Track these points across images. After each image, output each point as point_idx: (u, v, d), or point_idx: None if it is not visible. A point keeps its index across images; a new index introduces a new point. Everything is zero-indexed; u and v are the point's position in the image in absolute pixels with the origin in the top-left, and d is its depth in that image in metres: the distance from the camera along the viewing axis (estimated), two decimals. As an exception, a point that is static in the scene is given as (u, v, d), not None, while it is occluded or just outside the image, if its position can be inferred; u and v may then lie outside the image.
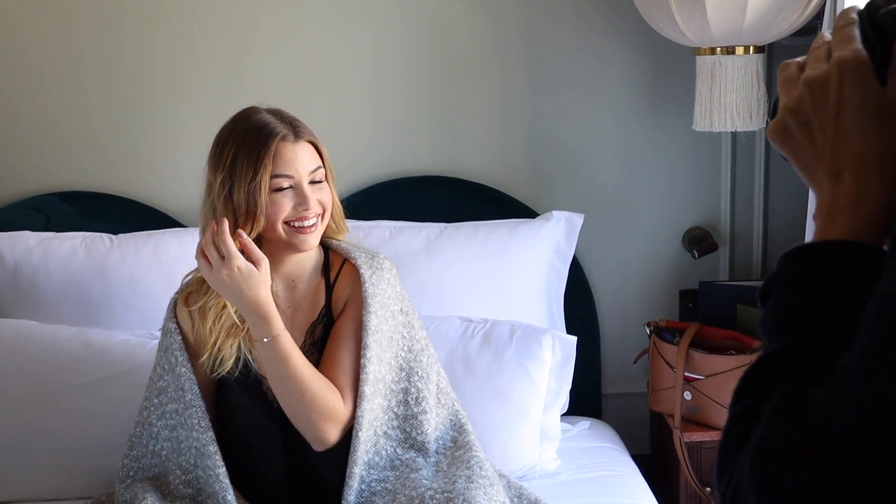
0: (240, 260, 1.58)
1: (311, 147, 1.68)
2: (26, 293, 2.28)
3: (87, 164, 2.52)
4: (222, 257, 1.58)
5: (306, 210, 1.66)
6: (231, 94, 2.49)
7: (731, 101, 2.12)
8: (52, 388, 2.08)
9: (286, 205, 1.65)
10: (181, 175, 2.53)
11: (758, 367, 0.73)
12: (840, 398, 0.64)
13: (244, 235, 1.60)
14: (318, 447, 1.69)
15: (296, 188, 1.66)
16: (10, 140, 2.49)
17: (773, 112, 0.83)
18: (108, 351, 2.14)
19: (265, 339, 1.62)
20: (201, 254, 1.61)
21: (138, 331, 2.23)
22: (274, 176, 1.63)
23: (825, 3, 2.00)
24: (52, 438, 2.05)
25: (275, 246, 1.69)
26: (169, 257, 2.32)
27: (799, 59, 0.80)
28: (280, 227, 1.65)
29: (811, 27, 2.24)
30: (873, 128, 0.73)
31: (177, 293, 1.81)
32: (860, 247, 0.72)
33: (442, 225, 2.41)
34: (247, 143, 1.62)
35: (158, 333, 2.18)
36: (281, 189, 1.64)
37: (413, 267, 2.29)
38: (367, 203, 2.46)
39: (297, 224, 1.66)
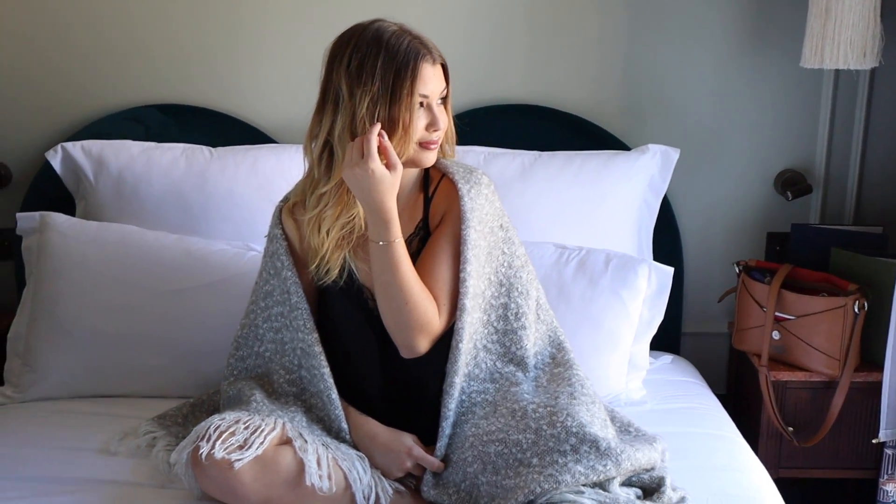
0: (376, 163, 1.60)
1: (441, 69, 1.70)
2: (129, 200, 2.33)
3: (182, 78, 2.54)
4: (362, 156, 1.60)
5: (436, 130, 1.68)
6: (327, 14, 2.49)
7: (845, 37, 2.07)
8: (153, 292, 2.13)
9: (421, 125, 1.67)
10: (273, 93, 2.56)
11: None
12: None
13: (385, 138, 1.62)
14: (406, 354, 1.73)
15: (427, 108, 1.67)
16: (109, 51, 2.52)
17: None
18: (206, 259, 2.19)
19: (381, 243, 1.64)
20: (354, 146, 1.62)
21: (235, 242, 2.27)
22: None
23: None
24: (153, 340, 2.11)
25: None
26: (267, 172, 2.35)
27: None
28: (412, 146, 1.67)
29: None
30: None
31: (282, 201, 1.84)
32: None
33: (536, 153, 2.41)
34: (394, 62, 1.62)
35: (254, 246, 2.23)
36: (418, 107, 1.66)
37: (507, 193, 2.28)
38: (460, 128, 2.46)
39: (422, 143, 1.68)
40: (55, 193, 2.47)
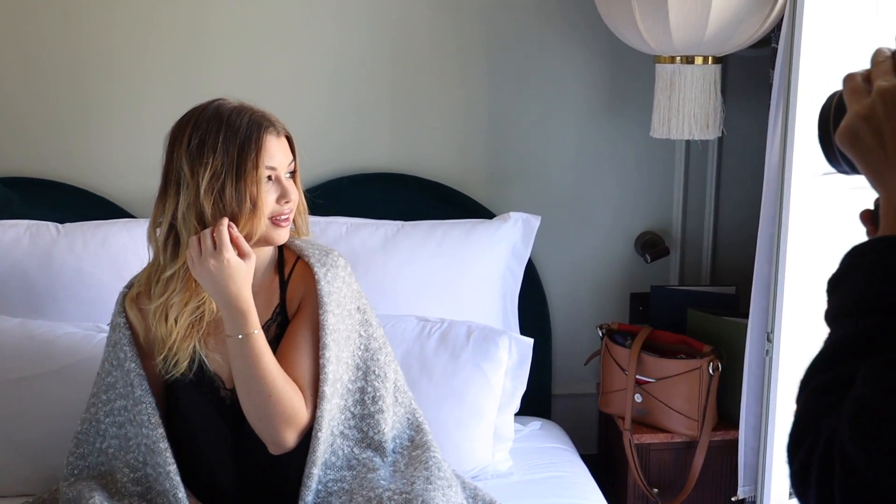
0: (230, 252, 1.55)
1: (286, 141, 1.66)
2: (-34, 282, 2.20)
3: (29, 149, 2.44)
4: (214, 247, 1.55)
5: (287, 202, 1.63)
6: (185, 83, 2.44)
7: (689, 109, 2.15)
8: (-8, 381, 2.01)
9: (271, 199, 1.62)
10: (128, 164, 2.48)
11: (836, 347, 0.80)
12: None
13: (235, 229, 1.58)
14: (274, 450, 1.66)
15: (275, 181, 1.63)
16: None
17: (826, 115, 0.89)
18: (51, 344, 2.08)
19: (239, 336, 1.59)
20: (196, 242, 1.58)
21: (85, 323, 2.17)
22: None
23: (783, 17, 2.04)
24: (-8, 433, 1.99)
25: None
26: (118, 249, 2.26)
27: (861, 70, 0.86)
28: (264, 222, 1.62)
29: (766, 40, 2.29)
30: None
31: (126, 288, 1.76)
32: None
33: (399, 223, 2.40)
34: (237, 136, 1.58)
35: (106, 327, 2.12)
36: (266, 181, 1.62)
37: (369, 265, 2.27)
38: (324, 198, 2.43)
39: (274, 217, 1.64)
40: None
